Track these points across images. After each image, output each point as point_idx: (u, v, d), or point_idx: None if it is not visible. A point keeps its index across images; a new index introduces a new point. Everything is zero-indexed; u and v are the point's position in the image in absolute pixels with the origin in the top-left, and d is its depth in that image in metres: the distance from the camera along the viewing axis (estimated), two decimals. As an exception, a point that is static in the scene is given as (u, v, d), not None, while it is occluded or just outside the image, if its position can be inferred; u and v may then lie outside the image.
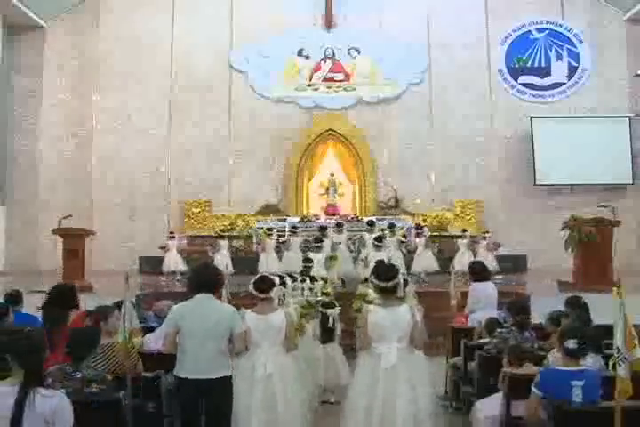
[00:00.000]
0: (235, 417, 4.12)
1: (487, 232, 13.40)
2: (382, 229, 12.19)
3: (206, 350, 3.90)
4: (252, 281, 4.45)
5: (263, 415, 4.17)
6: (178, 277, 12.83)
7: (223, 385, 3.98)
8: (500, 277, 12.51)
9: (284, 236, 14.60)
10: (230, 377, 4.04)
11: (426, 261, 11.86)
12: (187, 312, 4.00)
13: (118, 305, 4.61)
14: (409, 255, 12.16)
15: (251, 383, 4.21)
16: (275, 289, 4.48)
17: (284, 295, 5.21)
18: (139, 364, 4.42)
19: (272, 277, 4.67)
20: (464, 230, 13.58)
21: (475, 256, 12.31)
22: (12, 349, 2.61)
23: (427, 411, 3.94)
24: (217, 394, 3.95)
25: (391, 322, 4.00)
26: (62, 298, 4.98)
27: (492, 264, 12.46)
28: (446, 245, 13.81)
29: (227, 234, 13.50)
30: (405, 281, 4.95)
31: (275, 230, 13.82)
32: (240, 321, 4.09)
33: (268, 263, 11.64)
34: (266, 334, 4.30)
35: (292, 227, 13.16)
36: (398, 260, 11.67)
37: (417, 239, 12.74)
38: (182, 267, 12.94)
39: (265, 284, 4.41)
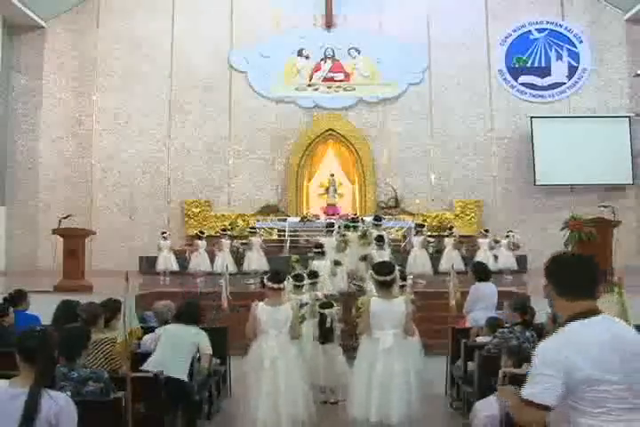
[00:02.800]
0: (245, 395, 4.87)
1: (511, 231, 13.41)
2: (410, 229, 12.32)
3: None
4: (268, 275, 5.05)
5: (271, 394, 4.72)
6: (162, 278, 12.91)
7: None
8: (511, 277, 12.58)
9: (284, 235, 14.74)
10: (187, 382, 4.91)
11: (452, 260, 11.97)
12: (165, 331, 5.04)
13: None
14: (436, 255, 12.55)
15: (260, 366, 4.78)
16: (285, 283, 5.09)
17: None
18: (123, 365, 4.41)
19: (284, 272, 5.29)
20: (486, 230, 13.65)
21: (497, 256, 12.67)
22: (22, 348, 2.57)
23: (417, 383, 4.75)
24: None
25: (388, 312, 4.67)
26: (71, 314, 4.98)
27: (512, 263, 12.69)
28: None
29: (205, 235, 13.54)
30: (404, 277, 5.70)
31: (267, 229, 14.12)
32: (207, 343, 5.02)
33: (225, 263, 11.68)
34: (273, 324, 4.83)
35: (251, 228, 13.78)
36: (423, 259, 11.83)
37: (445, 239, 13.01)
38: (175, 267, 13.08)
39: (279, 276, 5.00)
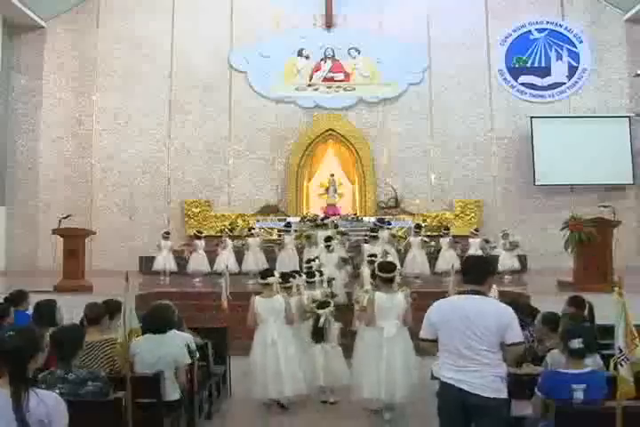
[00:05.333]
0: (251, 371, 5.86)
1: (506, 230, 13.34)
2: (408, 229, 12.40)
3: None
4: (259, 273, 6.19)
5: (272, 370, 5.72)
6: (162, 278, 12.89)
7: None
8: (510, 277, 12.55)
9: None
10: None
11: (447, 260, 12.07)
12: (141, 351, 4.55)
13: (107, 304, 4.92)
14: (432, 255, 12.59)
15: (263, 347, 5.79)
16: (271, 278, 5.93)
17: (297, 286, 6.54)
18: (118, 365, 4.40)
19: (271, 269, 6.31)
20: (476, 230, 13.73)
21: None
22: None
23: (414, 365, 5.61)
24: None
25: (391, 304, 5.46)
26: (47, 315, 4.92)
27: (512, 263, 12.62)
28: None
29: (203, 235, 13.52)
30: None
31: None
32: (182, 353, 4.61)
33: (229, 262, 11.71)
34: (270, 313, 5.80)
35: (249, 229, 13.81)
36: (422, 259, 11.83)
37: (441, 239, 13.05)
38: (173, 267, 13.05)
39: (265, 273, 6.04)
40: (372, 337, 5.53)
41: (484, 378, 3.34)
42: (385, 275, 5.52)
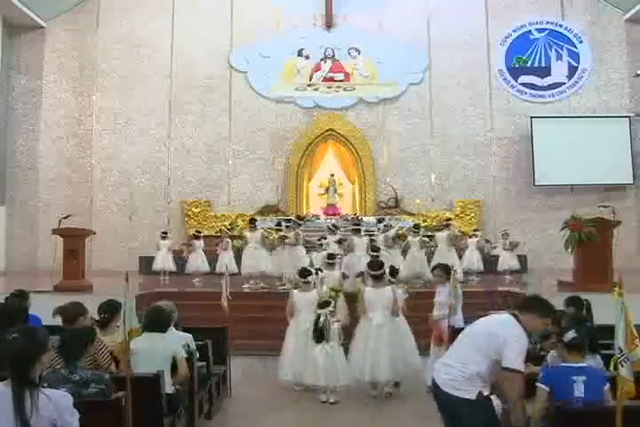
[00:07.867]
0: (282, 354, 6.56)
1: (505, 230, 13.34)
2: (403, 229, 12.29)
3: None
4: (297, 271, 6.91)
5: (299, 355, 6.36)
6: (162, 278, 12.84)
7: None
8: (511, 277, 12.54)
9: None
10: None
11: (472, 261, 12.39)
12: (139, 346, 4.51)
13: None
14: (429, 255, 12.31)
15: (296, 334, 6.53)
16: (311, 277, 6.71)
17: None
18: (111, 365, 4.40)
19: (309, 268, 7.05)
20: (475, 230, 13.81)
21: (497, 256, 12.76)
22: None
23: (404, 353, 6.31)
24: None
25: (379, 298, 6.25)
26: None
27: (512, 263, 12.61)
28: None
29: (202, 235, 13.47)
30: (396, 271, 7.05)
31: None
32: (179, 348, 4.75)
33: (229, 263, 11.67)
34: (305, 305, 6.54)
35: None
36: (421, 259, 11.69)
37: (438, 234, 12.79)
38: (172, 267, 13.03)
39: (306, 272, 6.74)
40: (364, 325, 6.30)
41: (449, 374, 3.47)
42: (374, 272, 6.35)
